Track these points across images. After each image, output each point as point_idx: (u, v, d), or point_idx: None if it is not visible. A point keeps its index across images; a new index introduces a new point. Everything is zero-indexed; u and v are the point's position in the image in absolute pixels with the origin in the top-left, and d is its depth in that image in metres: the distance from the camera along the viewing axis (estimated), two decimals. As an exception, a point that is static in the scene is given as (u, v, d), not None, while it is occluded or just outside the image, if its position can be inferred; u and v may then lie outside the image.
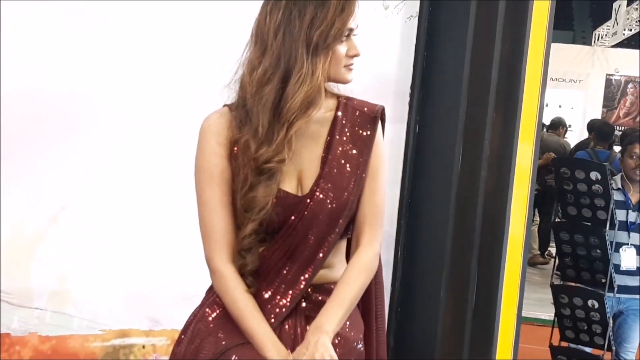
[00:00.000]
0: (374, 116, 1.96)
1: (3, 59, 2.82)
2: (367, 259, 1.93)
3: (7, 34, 2.83)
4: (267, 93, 1.84)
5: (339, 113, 1.95)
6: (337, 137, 1.93)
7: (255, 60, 1.87)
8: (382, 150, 1.97)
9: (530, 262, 8.33)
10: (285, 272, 1.91)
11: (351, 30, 1.89)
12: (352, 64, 1.91)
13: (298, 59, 1.83)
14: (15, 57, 2.85)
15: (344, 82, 1.93)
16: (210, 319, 1.94)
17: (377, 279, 2.03)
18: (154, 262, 3.06)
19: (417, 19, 3.30)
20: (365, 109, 1.97)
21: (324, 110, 1.94)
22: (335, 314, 1.86)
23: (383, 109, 1.99)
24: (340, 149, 1.92)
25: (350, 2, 1.87)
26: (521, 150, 3.22)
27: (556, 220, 6.72)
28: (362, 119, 1.95)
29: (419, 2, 3.29)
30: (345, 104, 1.96)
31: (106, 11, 2.95)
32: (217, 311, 1.94)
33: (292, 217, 1.88)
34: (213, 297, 1.95)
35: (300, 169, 1.91)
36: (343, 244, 1.99)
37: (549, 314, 5.52)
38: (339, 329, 1.88)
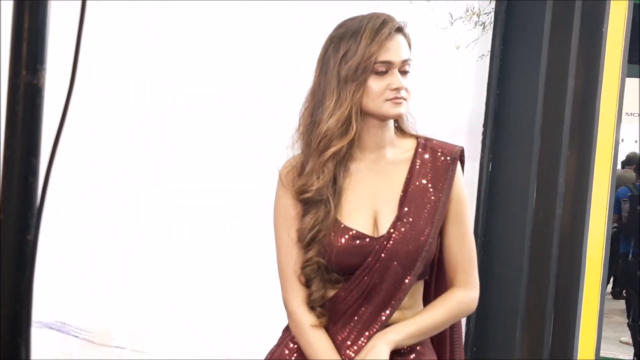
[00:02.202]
0: (454, 157, 1.94)
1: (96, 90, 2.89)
2: (458, 298, 1.93)
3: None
4: (302, 125, 1.91)
5: (418, 154, 1.94)
6: (416, 177, 1.92)
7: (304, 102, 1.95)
8: (463, 193, 1.96)
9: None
10: (361, 312, 1.90)
11: (389, 63, 1.85)
12: (398, 98, 1.85)
13: (328, 92, 1.86)
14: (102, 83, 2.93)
15: (390, 116, 1.88)
16: (287, 358, 1.95)
17: None
18: (230, 301, 3.09)
19: (489, 57, 3.31)
20: (445, 149, 1.95)
21: (402, 151, 1.95)
22: (404, 327, 1.87)
23: (462, 150, 1.97)
24: (418, 190, 1.91)
25: (381, 34, 1.84)
26: (597, 187, 3.19)
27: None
28: (441, 160, 1.94)
29: (490, 41, 3.30)
30: (424, 144, 1.96)
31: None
32: (294, 350, 1.95)
33: (369, 259, 1.87)
34: (290, 336, 1.97)
35: (377, 210, 1.91)
36: (420, 286, 1.98)
37: (628, 353, 5.40)
38: (406, 345, 1.88)
